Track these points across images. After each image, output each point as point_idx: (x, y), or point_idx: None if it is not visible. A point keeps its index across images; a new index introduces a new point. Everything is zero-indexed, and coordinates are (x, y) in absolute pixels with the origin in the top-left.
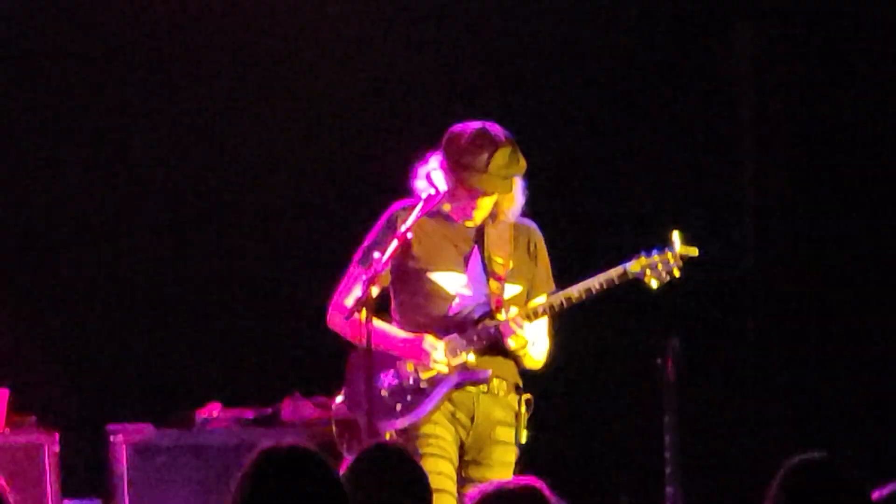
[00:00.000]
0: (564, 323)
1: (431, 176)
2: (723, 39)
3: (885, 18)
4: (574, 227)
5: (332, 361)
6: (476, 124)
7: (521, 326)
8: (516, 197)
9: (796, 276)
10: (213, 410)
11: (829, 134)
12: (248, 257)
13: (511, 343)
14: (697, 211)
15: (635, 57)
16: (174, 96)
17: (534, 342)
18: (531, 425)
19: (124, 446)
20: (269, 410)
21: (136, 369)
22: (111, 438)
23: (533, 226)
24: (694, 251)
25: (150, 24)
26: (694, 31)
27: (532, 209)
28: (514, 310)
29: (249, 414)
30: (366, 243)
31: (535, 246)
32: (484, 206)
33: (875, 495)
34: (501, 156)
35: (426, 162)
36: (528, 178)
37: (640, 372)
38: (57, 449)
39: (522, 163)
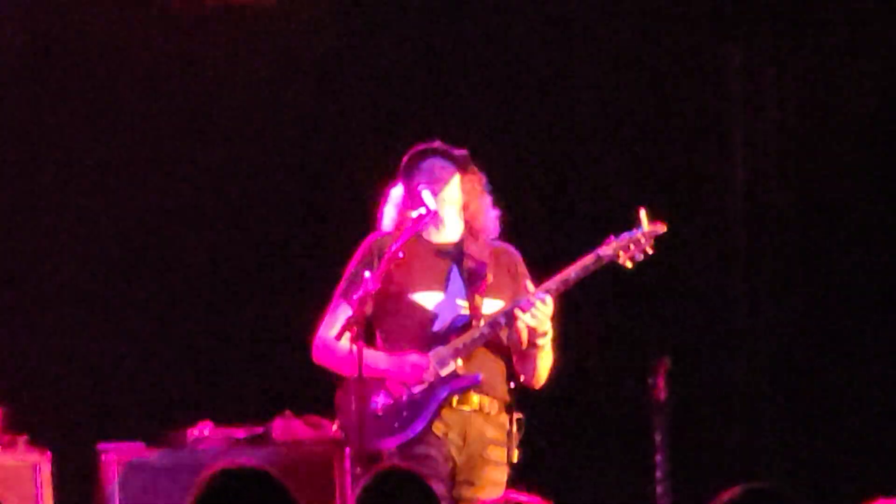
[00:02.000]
0: (556, 343)
1: (423, 196)
2: (713, 61)
3: (874, 39)
4: (561, 254)
5: (324, 380)
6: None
7: (544, 302)
8: (488, 209)
9: (788, 293)
10: (205, 429)
11: (820, 152)
12: (238, 276)
13: (544, 328)
14: (688, 229)
15: (625, 77)
16: (166, 124)
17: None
18: (523, 445)
19: (116, 465)
20: (261, 430)
21: (128, 388)
22: (103, 457)
23: (511, 249)
24: (662, 227)
25: (146, 35)
26: (684, 53)
27: (521, 216)
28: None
29: (241, 433)
30: (347, 276)
31: (516, 267)
32: (445, 193)
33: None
34: (436, 144)
35: (394, 188)
36: (519, 186)
37: (630, 391)
38: (49, 468)
39: (478, 174)
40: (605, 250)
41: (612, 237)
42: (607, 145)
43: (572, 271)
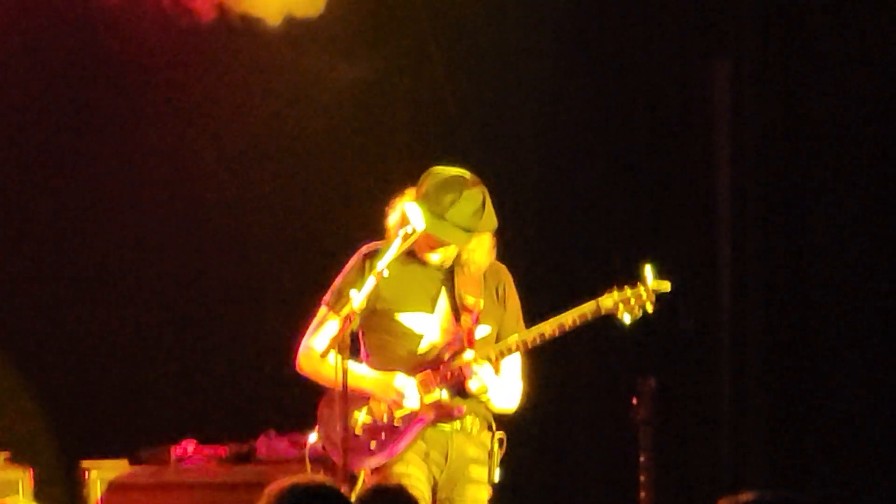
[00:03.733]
0: (539, 362)
1: (408, 213)
2: (701, 76)
3: (860, 55)
4: (548, 262)
5: (307, 398)
6: (453, 171)
7: (478, 371)
8: (484, 254)
9: (773, 314)
10: (188, 447)
11: (807, 170)
12: (221, 293)
13: (472, 385)
14: (673, 247)
15: (612, 90)
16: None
17: (500, 387)
18: (504, 464)
19: (99, 483)
20: (245, 447)
21: (111, 406)
22: (86, 475)
23: (502, 268)
24: (666, 286)
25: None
26: (672, 67)
27: (506, 241)
28: (470, 353)
29: (224, 451)
30: (335, 286)
31: (504, 289)
32: (443, 252)
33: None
34: (464, 206)
35: (402, 196)
36: (503, 210)
37: (615, 411)
38: (31, 485)
39: (489, 220)
40: (606, 301)
41: (615, 287)
42: (593, 155)
43: (570, 318)
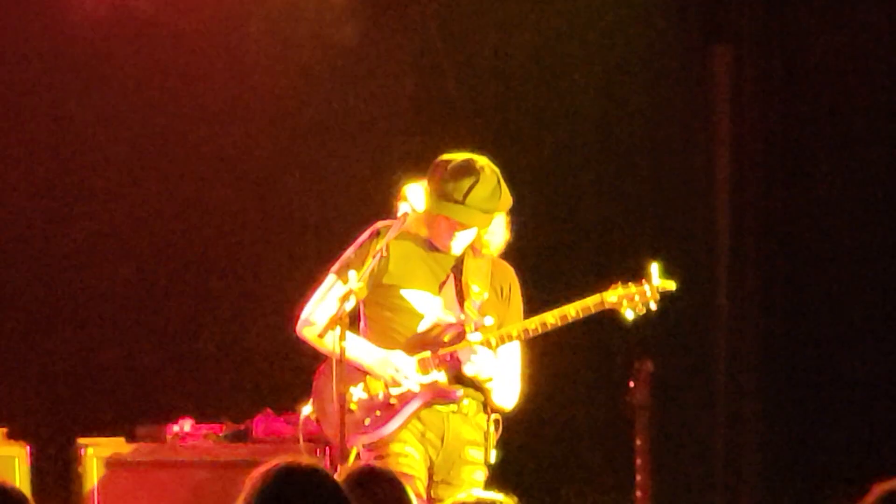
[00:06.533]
0: (536, 343)
1: (409, 194)
2: (701, 63)
3: (860, 42)
4: (551, 253)
5: (304, 378)
6: (463, 155)
7: (477, 355)
8: (500, 232)
9: (769, 299)
10: (185, 425)
11: (806, 161)
12: (220, 272)
13: (468, 370)
14: (671, 233)
15: (612, 79)
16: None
17: (497, 374)
18: (500, 445)
19: (95, 460)
20: (242, 426)
21: (109, 383)
22: (82, 452)
23: (510, 269)
24: (672, 285)
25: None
26: (672, 55)
27: (510, 234)
28: (474, 335)
29: (221, 430)
30: (344, 257)
31: (510, 288)
32: (462, 238)
33: None
34: (482, 189)
35: (410, 188)
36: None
37: (611, 395)
38: (28, 462)
39: (506, 199)
40: (610, 296)
41: (620, 283)
42: (590, 150)
43: (573, 309)
